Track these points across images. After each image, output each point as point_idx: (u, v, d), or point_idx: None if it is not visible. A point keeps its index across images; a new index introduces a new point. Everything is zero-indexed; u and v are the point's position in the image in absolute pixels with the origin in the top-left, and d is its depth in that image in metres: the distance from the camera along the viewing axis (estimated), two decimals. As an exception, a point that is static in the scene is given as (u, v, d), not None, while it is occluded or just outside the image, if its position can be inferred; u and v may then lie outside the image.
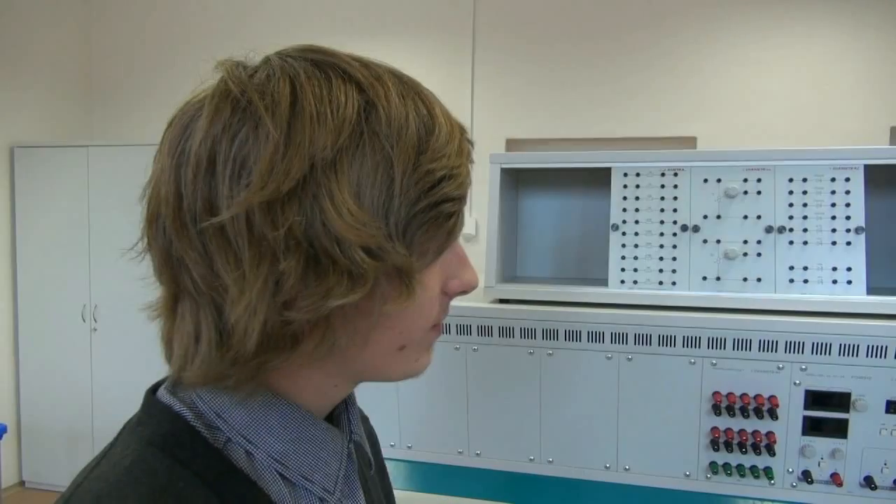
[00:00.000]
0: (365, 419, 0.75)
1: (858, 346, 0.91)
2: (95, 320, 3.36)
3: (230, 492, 0.45)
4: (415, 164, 0.45)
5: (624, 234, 1.03)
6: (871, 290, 0.95)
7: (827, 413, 0.94)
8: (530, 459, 1.07)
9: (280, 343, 0.44)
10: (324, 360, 0.47)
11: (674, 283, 1.00)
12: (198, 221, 0.43)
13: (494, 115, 3.44)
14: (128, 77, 3.91)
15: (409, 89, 0.48)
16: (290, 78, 0.44)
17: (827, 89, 3.09)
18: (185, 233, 0.44)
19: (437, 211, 0.47)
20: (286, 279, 0.42)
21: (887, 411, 0.92)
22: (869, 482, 0.94)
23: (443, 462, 1.09)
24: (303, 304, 0.43)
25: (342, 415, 0.55)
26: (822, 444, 0.95)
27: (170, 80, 3.71)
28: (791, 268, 0.97)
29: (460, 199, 0.49)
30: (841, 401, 0.94)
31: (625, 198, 1.03)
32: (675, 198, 1.02)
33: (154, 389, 0.50)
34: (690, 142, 3.26)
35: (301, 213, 0.42)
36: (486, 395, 1.07)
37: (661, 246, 1.01)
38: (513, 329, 1.03)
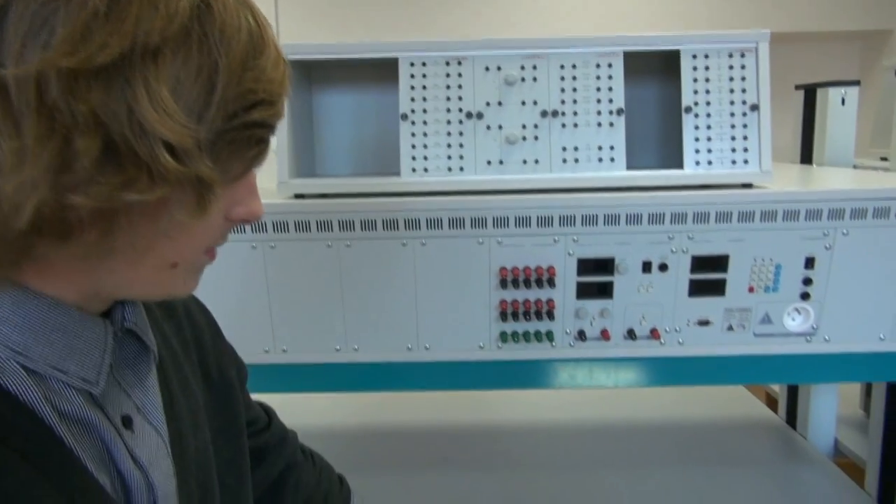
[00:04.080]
0: (203, 311, 0.72)
1: (619, 215, 1.02)
2: None
3: None
4: (239, 78, 0.44)
5: (413, 123, 1.05)
6: (629, 167, 1.06)
7: (595, 278, 1.06)
8: (336, 350, 1.10)
9: (53, 229, 0.41)
10: (94, 262, 0.45)
11: (461, 169, 1.05)
12: None
13: (302, 28, 3.29)
14: None
15: (246, 5, 0.46)
16: None
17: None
18: None
19: (249, 133, 0.46)
20: (79, 160, 0.39)
21: (643, 272, 1.05)
22: (631, 334, 1.08)
23: (256, 362, 1.09)
24: (92, 190, 0.40)
25: (116, 304, 0.52)
26: (593, 305, 1.07)
27: None
28: (564, 149, 1.05)
29: (272, 129, 0.48)
30: (606, 266, 1.05)
31: (412, 87, 1.05)
32: (460, 86, 1.05)
33: None
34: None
35: (108, 94, 0.39)
36: (288, 291, 1.07)
37: (449, 134, 1.05)
38: (309, 223, 1.03)
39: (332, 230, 1.03)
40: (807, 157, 1.60)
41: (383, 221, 1.03)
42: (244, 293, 1.06)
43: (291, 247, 1.04)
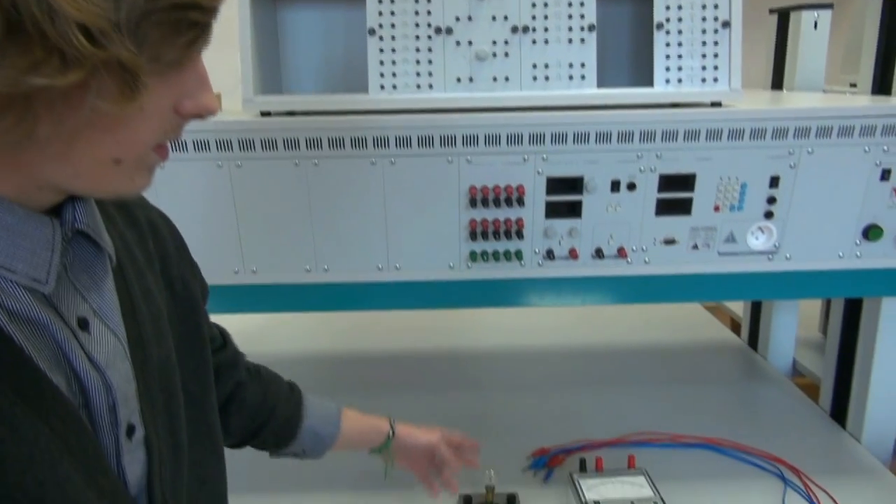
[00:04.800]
0: (168, 224, 0.70)
1: (589, 133, 1.02)
2: None
3: None
4: None
5: (381, 38, 1.02)
6: (600, 85, 1.05)
7: (564, 197, 1.06)
8: (306, 270, 1.10)
9: None
10: (26, 153, 0.43)
11: (430, 87, 1.03)
12: None
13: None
14: None
15: None
16: None
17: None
18: None
19: (178, 15, 0.42)
20: None
21: (611, 191, 1.06)
22: (598, 253, 1.10)
23: (226, 282, 1.09)
24: None
25: (67, 205, 0.51)
26: (562, 224, 1.08)
27: None
28: (534, 66, 1.03)
29: (210, 12, 0.44)
30: (575, 184, 1.06)
31: (380, 1, 1.02)
32: (429, 0, 1.02)
33: None
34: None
35: None
36: (256, 211, 1.06)
37: (418, 50, 1.03)
38: (275, 141, 1.01)
39: (299, 148, 1.02)
40: (778, 83, 1.60)
41: (351, 139, 1.01)
42: (211, 213, 1.05)
43: (258, 165, 1.03)
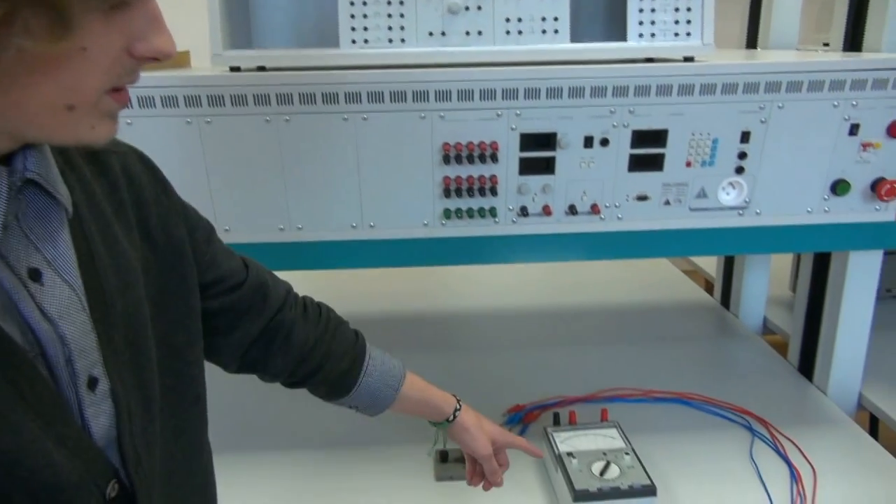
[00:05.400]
0: (149, 169, 0.68)
1: (562, 88, 1.02)
2: None
3: None
4: None
5: (352, -9, 1.01)
6: (573, 39, 1.04)
7: (538, 153, 1.06)
8: (280, 229, 1.09)
9: None
10: None
11: (402, 41, 1.02)
12: None
13: None
14: None
15: None
16: None
17: None
18: None
19: None
20: None
21: (585, 146, 1.06)
22: (572, 209, 1.10)
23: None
24: None
25: (19, 153, 0.50)
26: (535, 181, 1.08)
27: None
28: (507, 20, 1.03)
29: None
30: (548, 140, 1.06)
31: (350, -48, 1.00)
32: (400, -48, 1.00)
33: None
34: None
35: None
36: (228, 168, 1.05)
37: (389, 3, 1.01)
38: (245, 97, 1.00)
39: (269, 104, 1.00)
40: (752, 43, 1.60)
41: (323, 95, 1.00)
42: (181, 170, 1.04)
43: (228, 122, 1.01)
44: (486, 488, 0.95)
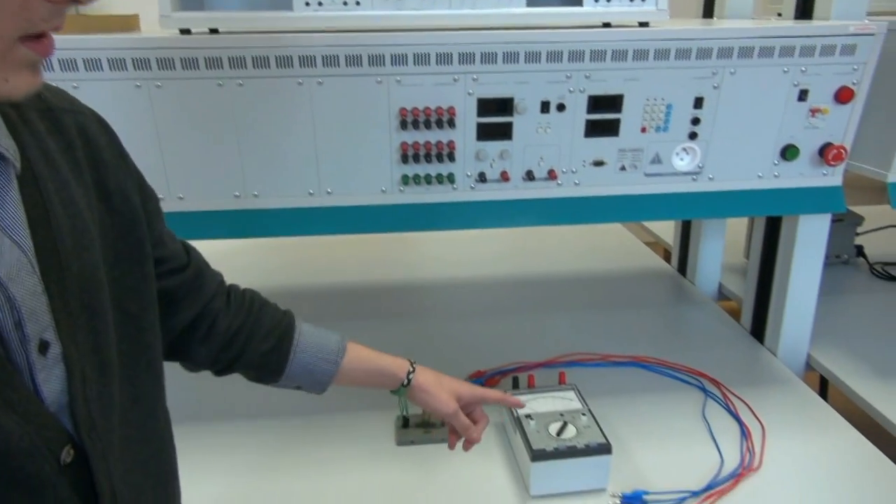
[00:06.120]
0: (106, 131, 0.66)
1: (519, 53, 1.02)
2: None
3: None
4: None
5: (304, -48, 0.99)
6: (529, 4, 1.04)
7: (495, 118, 1.07)
8: (235, 196, 1.08)
9: None
10: None
11: (357, 3, 1.01)
12: None
13: None
14: None
15: None
16: None
17: None
18: None
19: None
20: None
21: (541, 112, 1.07)
22: (529, 175, 1.11)
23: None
24: None
25: None
26: (493, 146, 1.09)
27: None
28: (463, -17, 1.02)
29: None
30: (505, 106, 1.06)
31: (302, -88, 0.98)
32: (354, -88, 0.99)
33: None
34: None
35: None
36: (180, 134, 1.03)
37: (343, -35, 1.00)
38: (197, 60, 0.98)
39: (222, 67, 0.98)
40: (709, 13, 1.62)
41: (277, 59, 0.99)
42: (131, 136, 0.99)
43: (179, 86, 0.99)
44: (465, 448, 0.94)
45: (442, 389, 0.90)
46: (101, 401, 0.57)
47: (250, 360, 0.81)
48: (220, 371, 0.83)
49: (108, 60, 0.96)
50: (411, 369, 0.89)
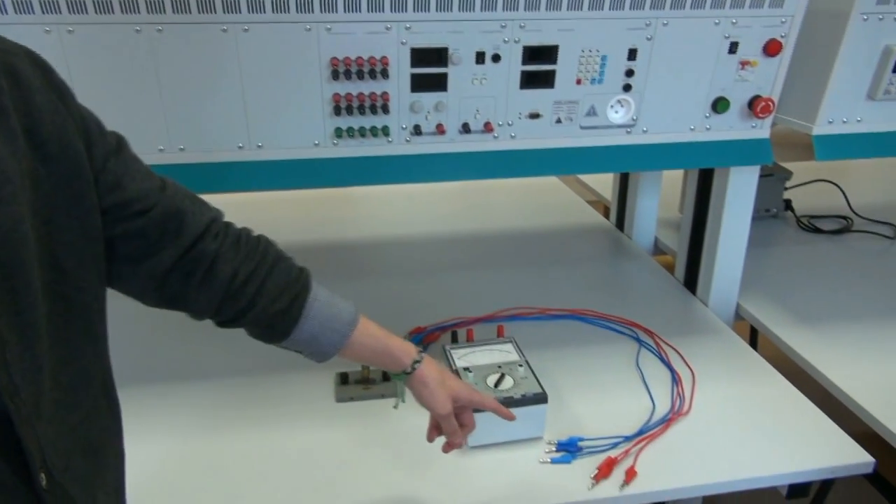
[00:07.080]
0: (43, 72, 0.60)
1: (452, 1, 0.99)
2: None
3: None
4: None
5: None
6: (464, -50, 1.02)
7: (430, 69, 1.04)
8: (160, 150, 1.03)
9: None
10: None
11: (283, -54, 0.96)
12: None
13: None
14: None
15: None
16: None
17: None
18: None
19: None
20: None
21: (477, 62, 1.05)
22: (465, 128, 1.10)
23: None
24: None
25: None
26: (428, 98, 1.07)
27: None
28: (394, -73, 0.98)
29: None
30: (440, 56, 1.04)
31: None
32: None
33: None
34: None
35: None
36: (96, 84, 0.97)
37: None
38: (111, 4, 0.92)
39: (139, 12, 0.93)
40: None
41: (198, 3, 0.94)
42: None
43: (93, 31, 0.93)
44: (445, 450, 0.89)
45: (442, 388, 0.85)
46: (22, 363, 0.54)
47: (258, 318, 0.76)
48: (224, 323, 0.77)
49: (14, 3, 0.90)
50: (418, 358, 0.84)
